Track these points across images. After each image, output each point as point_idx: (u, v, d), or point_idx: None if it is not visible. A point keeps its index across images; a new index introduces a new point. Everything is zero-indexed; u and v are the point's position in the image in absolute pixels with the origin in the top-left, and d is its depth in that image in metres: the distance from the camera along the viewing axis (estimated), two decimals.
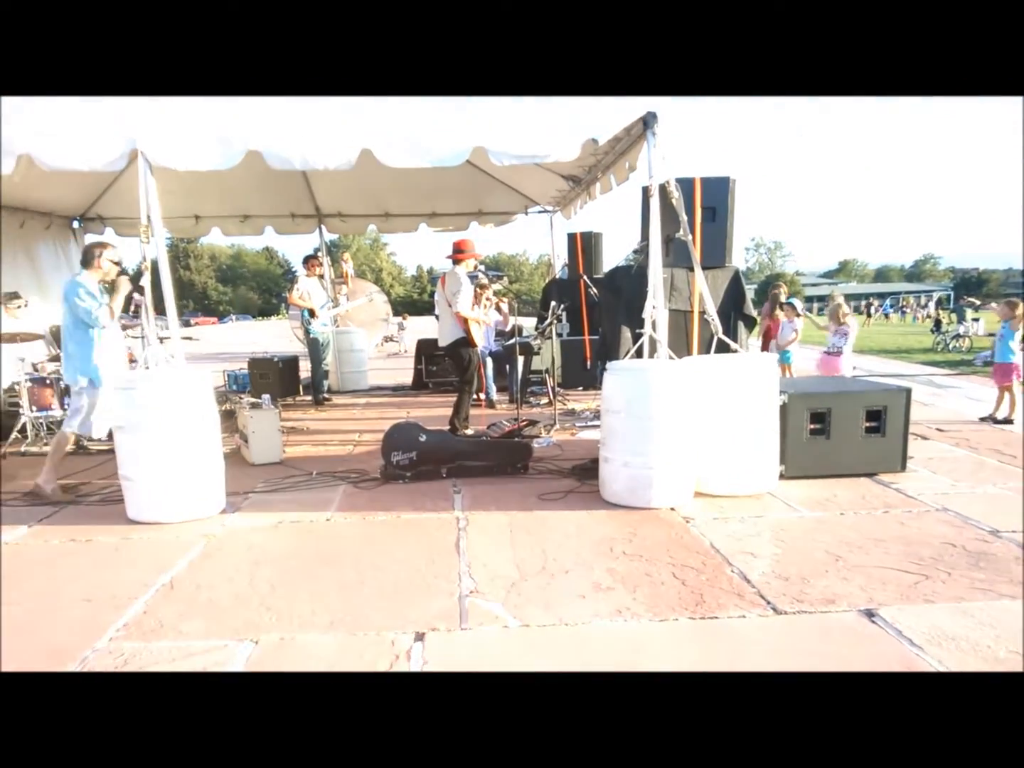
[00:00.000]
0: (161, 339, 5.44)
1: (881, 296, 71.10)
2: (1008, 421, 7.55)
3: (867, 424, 5.45)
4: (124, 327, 8.88)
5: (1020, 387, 7.64)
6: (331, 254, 12.49)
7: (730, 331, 6.73)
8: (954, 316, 26.80)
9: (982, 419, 7.78)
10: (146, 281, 4.94)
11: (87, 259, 5.22)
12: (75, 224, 9.94)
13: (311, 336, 9.85)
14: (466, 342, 7.03)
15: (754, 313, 7.40)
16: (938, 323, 24.04)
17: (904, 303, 58.40)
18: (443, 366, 10.80)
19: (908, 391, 5.53)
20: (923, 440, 6.72)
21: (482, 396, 9.27)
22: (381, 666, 2.84)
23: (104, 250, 5.21)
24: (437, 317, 8.00)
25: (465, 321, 6.97)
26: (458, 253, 7.05)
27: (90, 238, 10.22)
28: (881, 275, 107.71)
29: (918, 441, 6.57)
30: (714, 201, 6.85)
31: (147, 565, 3.99)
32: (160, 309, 5.41)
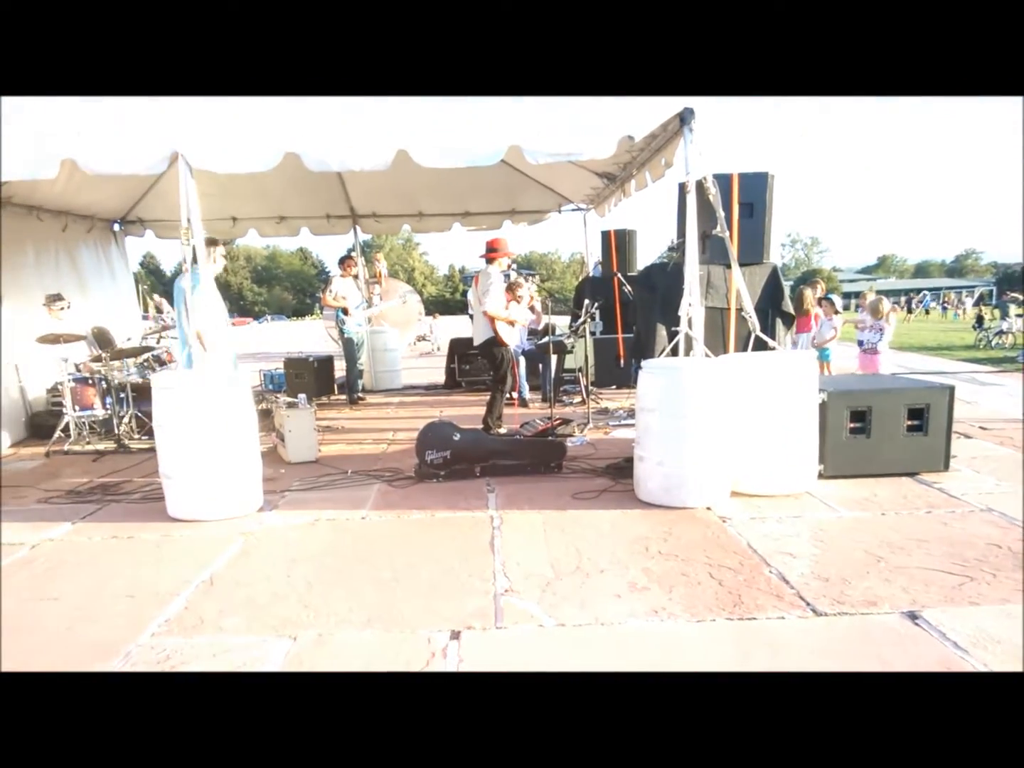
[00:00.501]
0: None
1: (920, 291, 69.77)
2: None
3: (909, 422, 5.34)
4: (164, 328, 9.09)
5: None
6: (365, 254, 12.57)
7: (768, 328, 6.66)
8: (997, 312, 26.18)
9: None
10: (186, 282, 5.01)
11: None
12: (116, 227, 10.12)
13: (346, 336, 9.93)
14: (496, 341, 7.03)
15: (792, 310, 7.30)
16: (980, 319, 23.48)
17: (945, 299, 57.09)
18: (476, 365, 10.82)
19: (951, 389, 5.41)
20: (966, 439, 6.57)
21: (515, 395, 9.27)
22: (417, 663, 2.86)
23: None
24: (471, 316, 8.02)
25: (493, 320, 6.96)
26: (491, 252, 7.05)
27: (130, 240, 10.43)
28: (921, 270, 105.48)
29: (961, 440, 6.42)
30: (752, 197, 6.76)
31: (187, 562, 4.06)
32: None
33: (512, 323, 7.25)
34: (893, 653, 2.83)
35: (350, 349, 9.98)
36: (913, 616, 3.13)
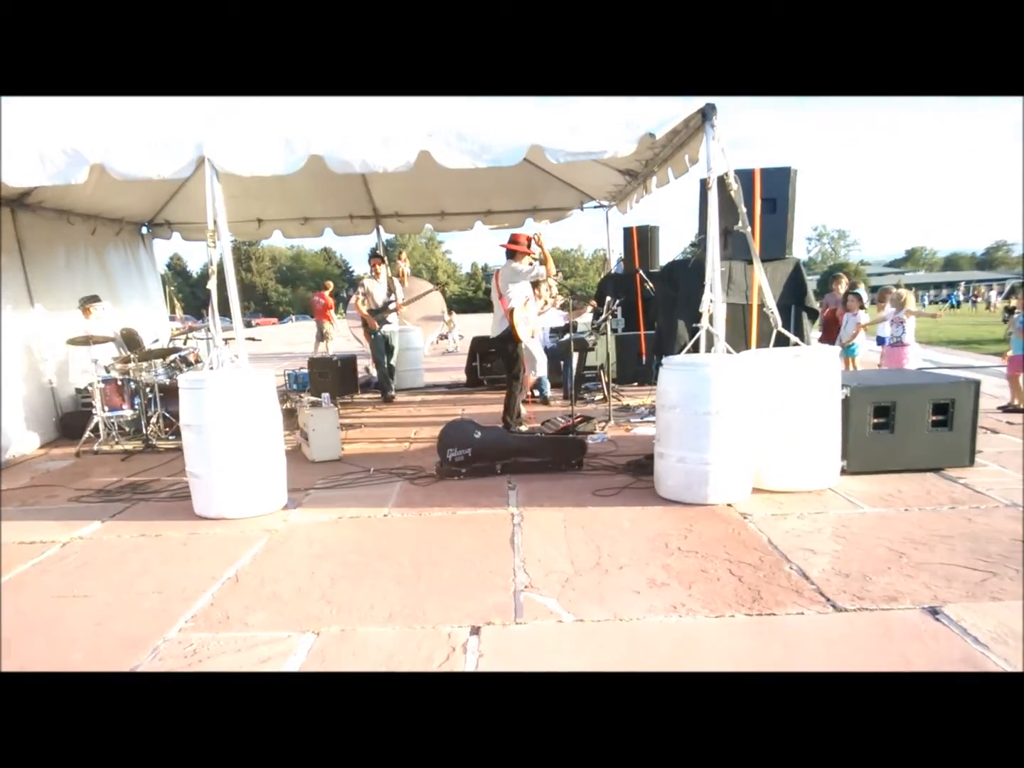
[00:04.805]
0: (226, 340, 5.63)
1: (951, 285, 68.69)
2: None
3: (934, 417, 5.29)
4: (190, 328, 9.21)
5: None
6: (388, 254, 12.65)
7: (791, 324, 6.62)
8: None
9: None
10: (212, 284, 5.09)
11: None
12: (144, 230, 10.29)
13: (373, 337, 10.01)
14: (511, 336, 7.01)
15: (816, 305, 7.25)
16: (1010, 311, 23.06)
17: (975, 292, 56.13)
18: (498, 363, 10.84)
19: (977, 383, 5.35)
20: (992, 434, 6.49)
21: (536, 392, 9.29)
22: (438, 658, 2.90)
23: None
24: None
25: (511, 315, 6.95)
26: (513, 244, 7.05)
27: (157, 243, 10.59)
28: (951, 263, 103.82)
29: (987, 435, 6.35)
30: (774, 192, 6.72)
31: (214, 559, 4.14)
32: (225, 311, 5.57)
33: (529, 326, 7.21)
34: (912, 649, 2.82)
35: (378, 348, 10.05)
36: (934, 612, 3.12)
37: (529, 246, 7.25)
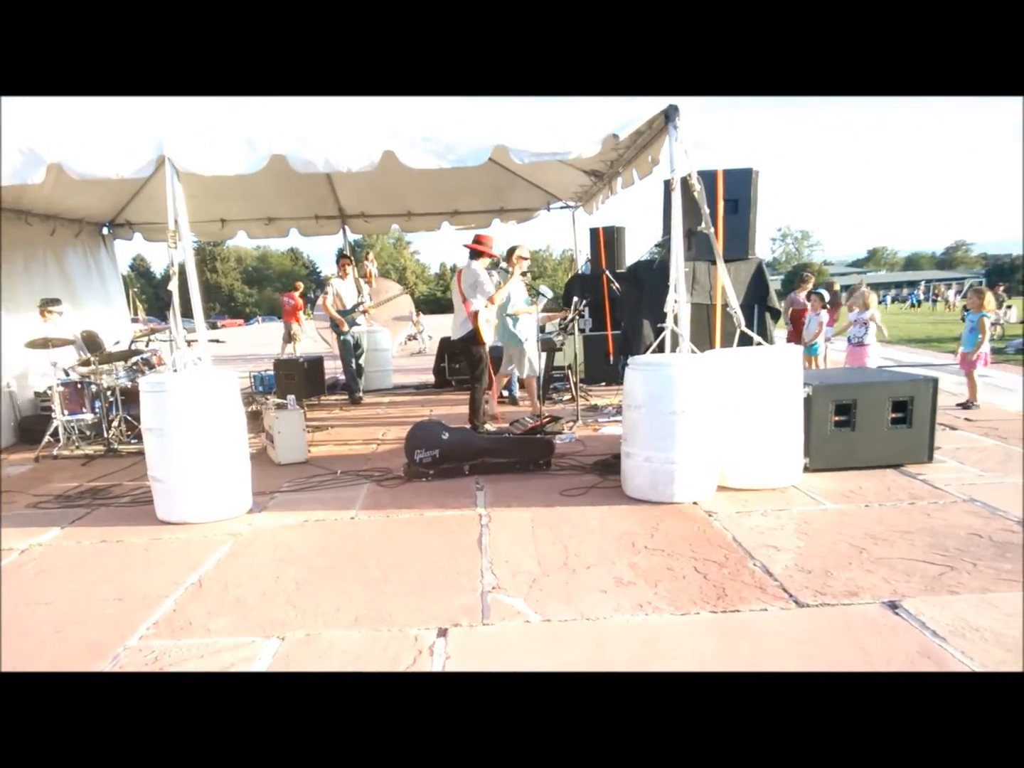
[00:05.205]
0: (189, 342, 5.54)
1: (912, 284, 70.09)
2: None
3: (893, 415, 5.39)
4: (152, 331, 9.07)
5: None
6: (355, 254, 12.58)
7: (754, 324, 6.70)
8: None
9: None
10: (174, 286, 5.02)
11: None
12: (104, 230, 10.11)
13: (341, 338, 9.95)
14: (475, 338, 6.98)
15: (778, 305, 7.35)
16: (967, 310, 23.56)
17: (935, 291, 57.32)
18: (466, 364, 10.83)
19: (935, 381, 5.46)
20: (951, 430, 6.63)
21: (505, 393, 9.28)
22: (404, 661, 2.89)
23: None
24: None
25: (475, 317, 6.90)
26: (477, 244, 7.03)
27: (120, 244, 10.42)
28: (911, 263, 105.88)
29: (946, 431, 6.49)
30: (737, 193, 6.80)
31: (176, 564, 4.08)
32: (188, 312, 5.50)
33: (491, 323, 7.19)
34: (873, 642, 2.87)
35: (346, 350, 10.00)
36: (893, 606, 3.18)
37: (509, 259, 7.27)
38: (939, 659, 2.73)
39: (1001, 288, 28.09)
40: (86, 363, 7.32)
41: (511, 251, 7.73)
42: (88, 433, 7.38)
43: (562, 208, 10.76)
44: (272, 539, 4.45)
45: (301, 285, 19.20)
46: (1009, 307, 23.56)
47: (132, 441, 7.17)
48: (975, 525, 4.15)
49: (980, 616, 3.04)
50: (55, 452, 6.95)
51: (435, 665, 2.85)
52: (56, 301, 7.74)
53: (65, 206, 8.61)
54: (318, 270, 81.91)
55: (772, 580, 3.52)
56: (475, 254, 7.04)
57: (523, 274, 7.42)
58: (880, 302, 11.51)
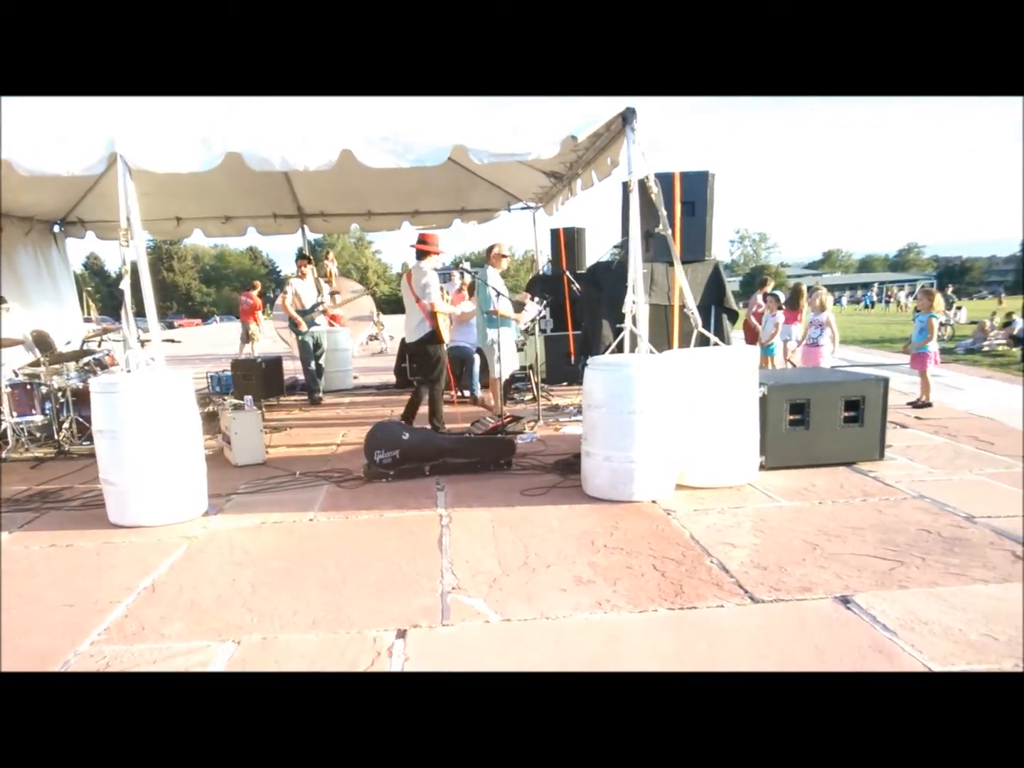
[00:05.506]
0: (142, 342, 5.42)
1: (866, 286, 71.65)
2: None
3: (846, 414, 5.51)
4: (105, 331, 8.88)
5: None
6: (315, 254, 12.46)
7: (711, 324, 6.79)
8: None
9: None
10: (126, 285, 4.92)
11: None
12: (56, 228, 9.87)
13: (300, 338, 9.86)
14: (434, 338, 6.90)
15: (735, 306, 7.45)
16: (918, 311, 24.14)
17: (888, 293, 58.68)
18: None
19: (886, 380, 5.59)
20: (902, 428, 6.79)
21: (467, 393, 9.27)
22: (363, 663, 2.87)
23: None
24: None
25: (434, 316, 6.83)
26: (422, 244, 6.94)
27: (73, 242, 10.17)
28: (865, 265, 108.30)
29: (897, 430, 6.64)
30: (693, 195, 6.90)
31: (129, 569, 4.00)
32: (142, 312, 5.39)
33: (449, 318, 7.18)
34: (825, 637, 2.92)
35: (304, 351, 9.91)
36: (845, 601, 3.24)
37: (489, 258, 7.28)
38: (889, 653, 2.79)
39: (950, 290, 28.91)
40: (36, 363, 7.14)
41: (490, 249, 7.75)
42: (38, 435, 7.19)
43: (523, 209, 10.77)
44: (228, 542, 4.39)
45: (259, 284, 18.89)
46: (959, 308, 24.22)
47: (83, 443, 7.00)
48: (924, 521, 4.26)
49: (929, 610, 3.12)
50: (3, 455, 6.76)
51: (394, 666, 2.83)
52: (1, 299, 7.54)
53: (14, 203, 8.38)
54: (277, 269, 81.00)
55: (728, 577, 3.57)
56: (421, 254, 6.98)
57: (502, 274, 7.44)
58: (836, 303, 11.73)
